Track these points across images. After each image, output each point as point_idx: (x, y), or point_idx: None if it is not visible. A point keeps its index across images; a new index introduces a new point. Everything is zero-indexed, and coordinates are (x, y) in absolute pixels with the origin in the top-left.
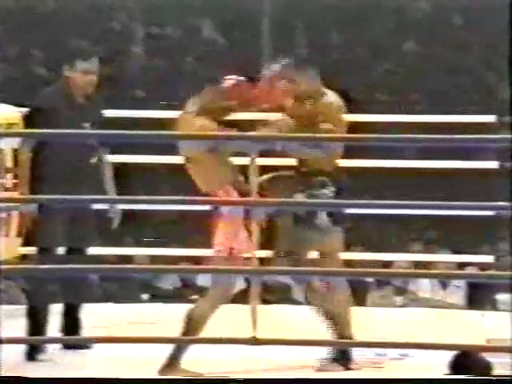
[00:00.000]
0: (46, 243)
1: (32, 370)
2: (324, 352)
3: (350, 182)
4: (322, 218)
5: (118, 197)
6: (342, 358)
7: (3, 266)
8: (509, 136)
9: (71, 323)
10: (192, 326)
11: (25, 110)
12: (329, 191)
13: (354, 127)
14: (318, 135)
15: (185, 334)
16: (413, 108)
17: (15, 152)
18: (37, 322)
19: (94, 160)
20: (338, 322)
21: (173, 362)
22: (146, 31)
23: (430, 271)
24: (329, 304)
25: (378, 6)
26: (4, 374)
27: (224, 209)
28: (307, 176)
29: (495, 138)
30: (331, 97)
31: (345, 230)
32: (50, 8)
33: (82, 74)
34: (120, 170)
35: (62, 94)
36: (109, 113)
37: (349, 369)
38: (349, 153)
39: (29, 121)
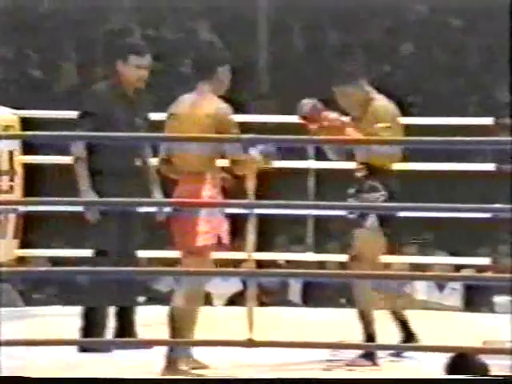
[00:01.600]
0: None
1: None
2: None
3: (400, 187)
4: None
5: (115, 199)
6: None
7: (3, 269)
8: (507, 138)
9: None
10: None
11: (21, 112)
12: (379, 195)
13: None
14: (321, 137)
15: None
16: (410, 110)
17: (11, 154)
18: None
19: (138, 162)
20: None
21: (172, 362)
22: (143, 33)
23: (427, 273)
24: None
25: (376, 8)
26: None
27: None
28: (358, 179)
29: (494, 140)
30: (382, 101)
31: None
32: (47, 9)
33: (135, 69)
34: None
35: (115, 91)
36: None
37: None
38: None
39: (82, 122)
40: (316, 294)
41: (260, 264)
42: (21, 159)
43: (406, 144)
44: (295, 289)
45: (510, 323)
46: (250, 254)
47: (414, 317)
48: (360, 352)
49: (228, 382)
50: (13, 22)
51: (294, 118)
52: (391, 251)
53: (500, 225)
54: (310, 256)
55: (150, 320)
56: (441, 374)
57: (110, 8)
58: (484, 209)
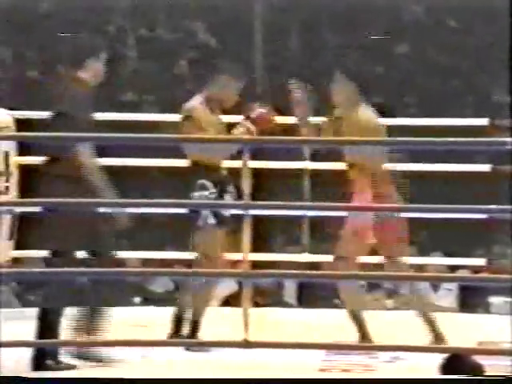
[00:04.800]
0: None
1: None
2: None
3: (235, 184)
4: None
5: (116, 200)
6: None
7: (2, 270)
8: (503, 139)
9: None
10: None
11: (17, 113)
12: (208, 193)
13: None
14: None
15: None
16: (406, 111)
17: (6, 155)
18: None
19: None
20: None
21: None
22: (139, 34)
23: (422, 274)
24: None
25: (372, 9)
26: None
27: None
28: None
29: (489, 141)
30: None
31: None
32: (44, 10)
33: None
34: (116, 172)
35: None
36: (101, 116)
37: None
38: (339, 155)
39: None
40: (311, 294)
41: (255, 265)
42: (16, 160)
43: (401, 145)
44: (290, 289)
45: (505, 324)
46: (245, 255)
47: (408, 317)
48: None
49: (224, 382)
50: (11, 21)
51: (287, 119)
52: (236, 249)
53: (495, 226)
54: (306, 257)
55: (146, 321)
56: (436, 375)
57: (107, 8)
58: (479, 210)
